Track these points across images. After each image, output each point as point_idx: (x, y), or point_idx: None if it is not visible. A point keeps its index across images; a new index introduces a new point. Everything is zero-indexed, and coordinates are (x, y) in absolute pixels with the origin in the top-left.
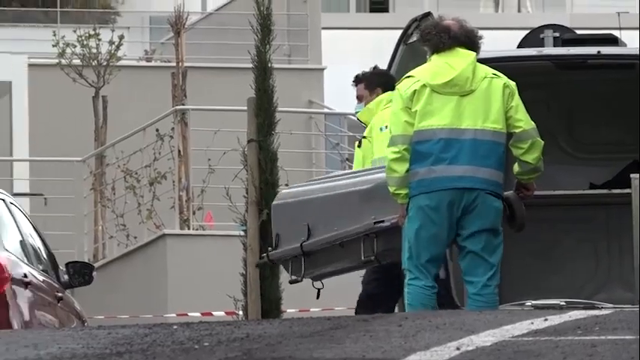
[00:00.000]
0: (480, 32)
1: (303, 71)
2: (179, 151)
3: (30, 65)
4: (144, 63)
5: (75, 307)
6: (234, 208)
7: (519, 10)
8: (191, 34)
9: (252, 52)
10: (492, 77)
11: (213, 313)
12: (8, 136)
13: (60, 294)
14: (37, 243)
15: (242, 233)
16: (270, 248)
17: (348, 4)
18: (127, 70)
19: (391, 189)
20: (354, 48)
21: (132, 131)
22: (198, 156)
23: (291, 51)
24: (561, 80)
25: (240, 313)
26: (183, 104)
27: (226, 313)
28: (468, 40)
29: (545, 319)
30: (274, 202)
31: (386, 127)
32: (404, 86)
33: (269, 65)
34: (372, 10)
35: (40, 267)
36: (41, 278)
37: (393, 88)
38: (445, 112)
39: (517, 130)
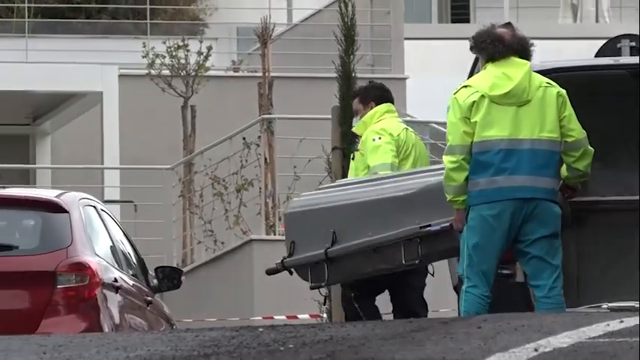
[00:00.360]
0: (559, 42)
1: (385, 80)
2: (265, 158)
3: (120, 76)
4: (231, 73)
5: (164, 310)
6: None
7: (597, 21)
8: (277, 44)
9: (337, 62)
10: (547, 86)
11: (298, 316)
12: (99, 145)
13: (149, 298)
14: (128, 249)
15: None
16: (284, 256)
17: (430, 15)
18: (214, 80)
19: (448, 196)
20: (435, 58)
21: (219, 139)
22: (284, 163)
23: (374, 61)
24: (637, 89)
25: (325, 316)
26: (269, 113)
27: (311, 315)
28: (521, 47)
29: (621, 321)
30: (288, 211)
31: (379, 138)
32: (462, 96)
33: (353, 75)
34: (453, 21)
35: (130, 272)
36: (131, 283)
37: (387, 101)
38: (504, 122)
39: (570, 140)
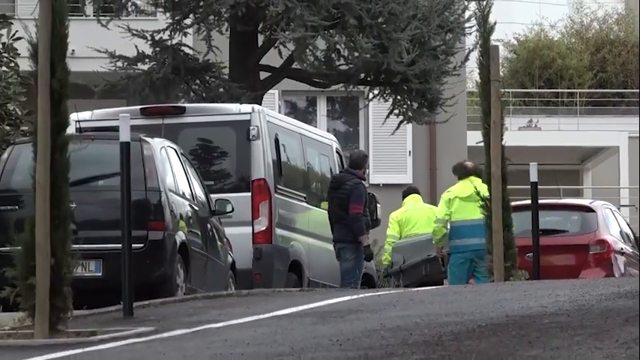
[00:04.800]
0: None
1: None
2: None
3: (629, 137)
4: None
5: None
6: None
7: None
8: None
9: None
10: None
11: None
12: (617, 173)
13: None
14: (627, 230)
15: None
16: (387, 267)
17: None
18: None
19: (435, 241)
20: None
21: None
22: None
23: None
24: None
25: None
26: None
27: None
28: (475, 172)
29: None
30: (393, 246)
31: (390, 224)
32: (446, 196)
33: None
34: None
35: (629, 244)
36: (630, 251)
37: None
38: (467, 211)
39: None
